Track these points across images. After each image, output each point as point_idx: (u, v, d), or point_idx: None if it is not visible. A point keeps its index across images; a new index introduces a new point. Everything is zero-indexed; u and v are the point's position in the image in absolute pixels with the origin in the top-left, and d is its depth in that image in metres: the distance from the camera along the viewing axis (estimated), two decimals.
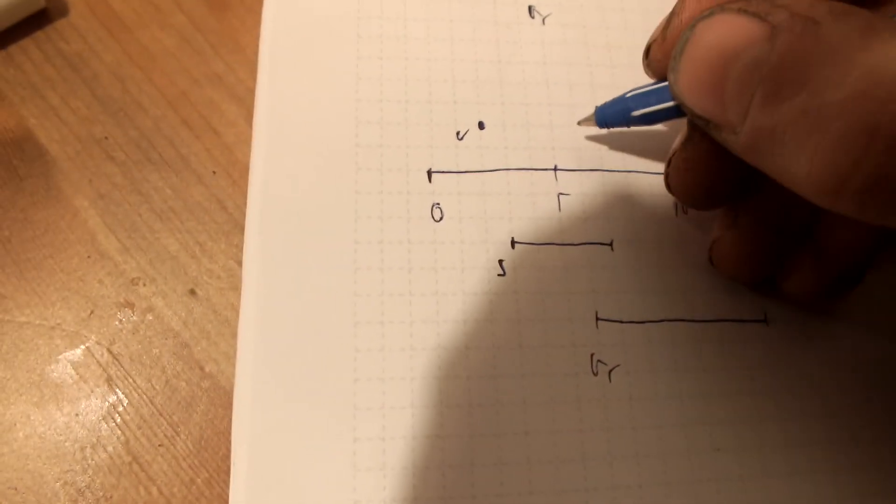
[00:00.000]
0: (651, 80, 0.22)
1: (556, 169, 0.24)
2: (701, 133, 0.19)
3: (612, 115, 0.23)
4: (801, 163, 0.15)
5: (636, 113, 0.22)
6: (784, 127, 0.15)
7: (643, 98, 0.22)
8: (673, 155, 0.21)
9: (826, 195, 0.14)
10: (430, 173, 0.23)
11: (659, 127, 0.24)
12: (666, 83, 0.20)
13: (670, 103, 0.20)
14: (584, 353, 0.22)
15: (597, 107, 0.24)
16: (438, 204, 0.23)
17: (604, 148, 0.24)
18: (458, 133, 0.24)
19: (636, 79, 0.22)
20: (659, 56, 0.21)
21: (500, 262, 0.22)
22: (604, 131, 0.24)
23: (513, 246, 0.23)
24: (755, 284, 0.23)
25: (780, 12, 0.15)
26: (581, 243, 0.23)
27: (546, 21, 0.26)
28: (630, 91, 0.22)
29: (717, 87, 0.16)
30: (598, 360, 0.22)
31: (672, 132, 0.24)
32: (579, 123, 0.24)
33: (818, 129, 0.14)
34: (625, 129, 0.24)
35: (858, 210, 0.14)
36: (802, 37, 0.14)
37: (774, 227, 0.21)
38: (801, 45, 0.14)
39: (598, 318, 0.22)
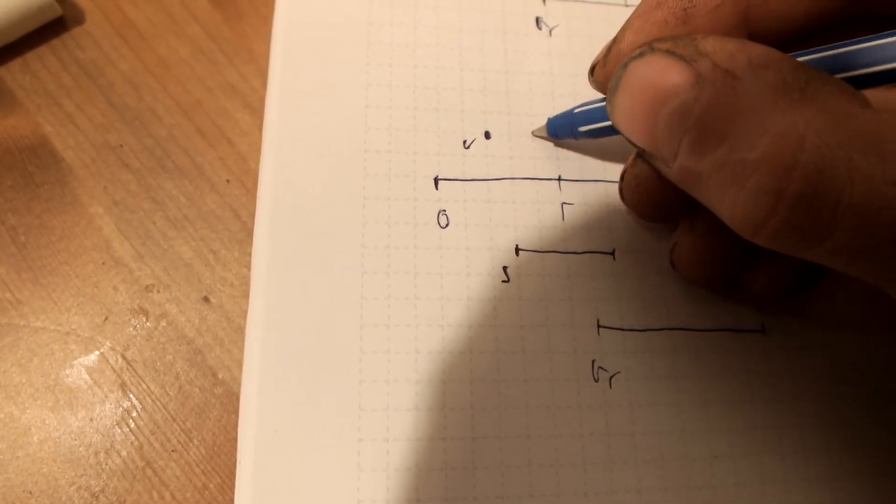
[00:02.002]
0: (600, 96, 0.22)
1: (559, 179, 0.24)
2: None
3: (560, 128, 0.24)
4: (724, 205, 0.16)
5: (582, 129, 0.22)
6: (707, 174, 0.16)
7: (589, 114, 0.22)
8: (625, 171, 0.21)
9: (746, 234, 0.15)
10: (436, 180, 0.24)
11: None
12: None
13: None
14: (585, 359, 0.22)
15: (549, 118, 0.24)
16: (445, 211, 0.23)
17: (606, 159, 0.25)
18: (464, 142, 0.24)
19: None
20: (601, 78, 0.21)
21: (505, 268, 0.23)
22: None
23: (517, 253, 0.23)
24: (758, 297, 0.23)
25: (705, 61, 0.16)
26: (584, 252, 0.23)
27: (553, 32, 0.26)
28: (578, 106, 0.23)
29: (650, 126, 0.17)
30: (599, 367, 0.22)
31: None
32: (533, 133, 0.25)
33: (735, 183, 0.15)
34: (573, 140, 0.24)
35: (776, 247, 0.15)
36: (722, 92, 0.15)
37: (730, 232, 0.21)
38: (721, 101, 0.15)
39: (599, 326, 0.23)
